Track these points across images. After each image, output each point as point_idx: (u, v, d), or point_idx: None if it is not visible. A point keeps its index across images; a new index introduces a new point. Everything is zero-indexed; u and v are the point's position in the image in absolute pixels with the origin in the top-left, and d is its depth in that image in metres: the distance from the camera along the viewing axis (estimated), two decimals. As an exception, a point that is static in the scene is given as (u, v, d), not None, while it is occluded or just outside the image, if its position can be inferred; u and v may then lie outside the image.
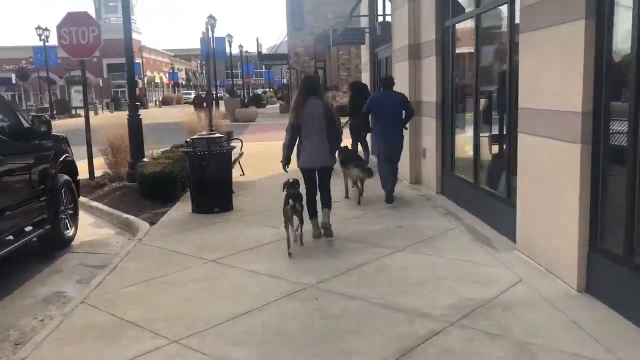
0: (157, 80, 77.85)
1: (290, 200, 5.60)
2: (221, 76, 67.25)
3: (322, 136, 5.89)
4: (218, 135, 8.50)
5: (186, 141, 8.67)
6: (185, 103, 65.52)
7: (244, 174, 10.82)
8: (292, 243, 5.68)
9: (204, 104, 28.82)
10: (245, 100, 35.07)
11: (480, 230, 6.41)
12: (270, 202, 8.14)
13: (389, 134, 7.88)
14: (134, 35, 67.98)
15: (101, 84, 56.92)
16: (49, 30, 33.58)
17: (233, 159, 8.92)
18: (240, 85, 50.01)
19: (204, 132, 9.63)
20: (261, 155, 12.98)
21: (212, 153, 7.92)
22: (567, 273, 4.42)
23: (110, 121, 12.55)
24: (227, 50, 33.93)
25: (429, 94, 8.49)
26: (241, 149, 10.71)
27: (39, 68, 39.01)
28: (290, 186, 5.84)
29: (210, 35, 25.76)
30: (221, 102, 32.07)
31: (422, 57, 8.76)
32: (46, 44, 33.05)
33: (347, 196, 8.25)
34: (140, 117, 10.24)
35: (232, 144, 9.45)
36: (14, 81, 41.29)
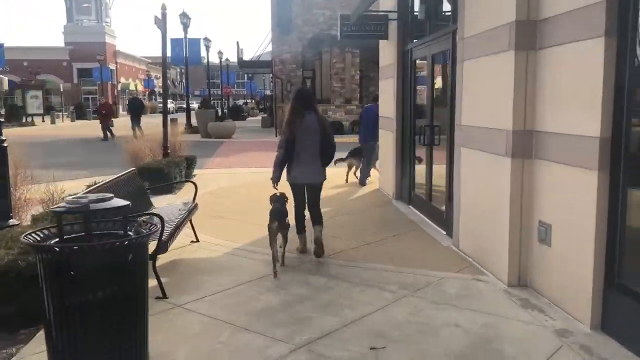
0: (132, 87, 75.52)
1: (274, 218, 5.62)
2: (200, 85, 65.44)
3: (315, 151, 5.94)
4: (121, 203, 3.58)
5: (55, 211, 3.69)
6: (160, 112, 63.19)
7: (197, 240, 6.83)
8: (277, 263, 5.60)
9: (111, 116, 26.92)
10: (221, 112, 32.51)
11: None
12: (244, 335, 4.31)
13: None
14: (108, 39, 67.12)
15: (65, 89, 53.99)
16: None
17: (180, 219, 6.04)
18: (220, 95, 47.48)
19: (100, 182, 6.45)
20: (235, 195, 10.21)
21: (97, 251, 3.38)
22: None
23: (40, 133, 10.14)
24: (204, 55, 31.48)
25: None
26: (194, 199, 7.15)
27: None
28: (277, 201, 5.90)
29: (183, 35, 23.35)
30: (192, 114, 29.23)
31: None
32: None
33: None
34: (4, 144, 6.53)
35: (155, 217, 5.12)
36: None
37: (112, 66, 68.31)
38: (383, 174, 10.25)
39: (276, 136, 24.70)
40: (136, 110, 26.09)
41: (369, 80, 28.84)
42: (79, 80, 64.94)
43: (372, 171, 11.17)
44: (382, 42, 10.18)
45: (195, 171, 12.82)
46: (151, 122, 38.83)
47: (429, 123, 7.47)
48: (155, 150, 11.57)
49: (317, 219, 6.11)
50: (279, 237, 5.66)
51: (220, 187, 11.04)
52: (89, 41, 62.98)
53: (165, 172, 10.11)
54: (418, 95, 8.44)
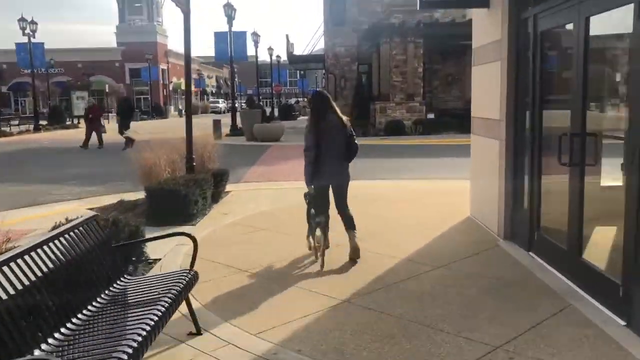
0: (184, 87, 74.43)
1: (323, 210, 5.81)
2: (253, 83, 63.86)
3: (340, 152, 5.99)
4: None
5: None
6: (212, 112, 62.19)
7: (198, 332, 4.11)
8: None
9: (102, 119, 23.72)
10: (270, 111, 29.98)
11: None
12: None
13: None
14: (160, 39, 66.32)
15: (115, 90, 53.24)
16: (36, 24, 29.23)
17: (173, 294, 3.61)
18: (270, 94, 45.29)
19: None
20: (278, 226, 7.46)
21: None
22: None
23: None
24: (253, 52, 29.19)
25: None
26: (193, 264, 4.39)
27: (23, 68, 35.16)
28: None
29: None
30: (238, 115, 26.69)
31: None
32: (32, 40, 28.70)
33: None
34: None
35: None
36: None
37: (163, 66, 67.66)
38: (479, 198, 7.40)
39: (329, 138, 22.02)
40: (126, 113, 22.20)
41: (433, 73, 25.76)
42: (131, 80, 64.71)
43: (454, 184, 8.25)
44: (476, 14, 7.28)
45: (230, 186, 10.26)
46: (197, 124, 37.05)
47: (578, 130, 4.60)
48: (177, 163, 9.10)
49: (350, 223, 6.06)
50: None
51: (257, 212, 8.37)
52: (140, 41, 62.47)
53: (183, 195, 7.58)
54: (548, 85, 5.58)
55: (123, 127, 20.45)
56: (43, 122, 32.52)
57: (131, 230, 5.44)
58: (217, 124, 23.25)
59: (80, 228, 3.83)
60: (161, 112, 51.00)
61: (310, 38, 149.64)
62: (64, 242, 3.58)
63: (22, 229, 7.41)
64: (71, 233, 3.72)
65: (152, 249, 6.18)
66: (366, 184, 11.06)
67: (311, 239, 5.93)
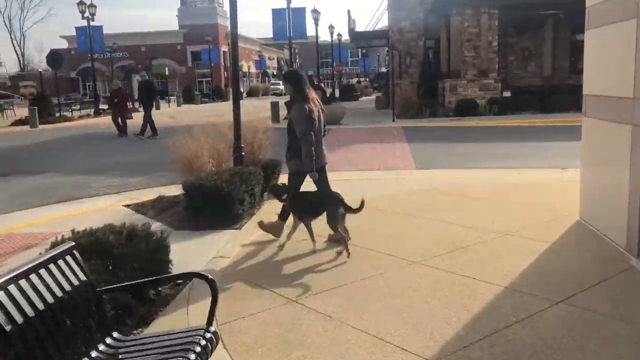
0: (245, 69, 74.31)
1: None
2: (312, 64, 62.61)
3: (321, 131, 5.77)
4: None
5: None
6: (273, 94, 61.51)
7: None
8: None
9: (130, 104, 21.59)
10: (330, 93, 28.50)
11: None
12: None
13: None
14: (220, 21, 65.79)
15: (178, 73, 53.27)
16: (95, 7, 28.79)
17: None
18: (331, 75, 43.85)
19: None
20: (330, 244, 5.60)
21: None
22: None
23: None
24: (313, 31, 27.79)
25: None
26: (211, 321, 2.85)
27: (83, 53, 35.02)
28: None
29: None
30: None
31: None
32: (91, 22, 28.29)
33: None
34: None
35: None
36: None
37: (224, 48, 67.37)
38: (595, 198, 5.78)
39: (393, 120, 20.45)
40: (148, 95, 19.35)
41: (508, 47, 23.56)
42: (192, 63, 64.79)
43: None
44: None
45: (284, 177, 9.02)
46: (255, 106, 36.05)
47: None
48: (223, 153, 7.91)
49: None
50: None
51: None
52: (201, 23, 62.29)
53: (226, 193, 6.37)
54: None
55: (146, 112, 18.48)
56: (104, 107, 32.52)
57: (151, 247, 4.26)
58: (274, 107, 22.10)
59: (52, 265, 2.64)
60: (222, 95, 50.47)
61: (373, 13, 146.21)
62: (25, 287, 2.41)
63: (42, 232, 6.44)
64: (55, 259, 2.55)
65: (182, 261, 5.02)
66: (436, 175, 9.58)
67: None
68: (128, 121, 19.22)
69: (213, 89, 56.38)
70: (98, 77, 61.74)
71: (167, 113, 33.72)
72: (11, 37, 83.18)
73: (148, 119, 17.91)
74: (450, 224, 6.14)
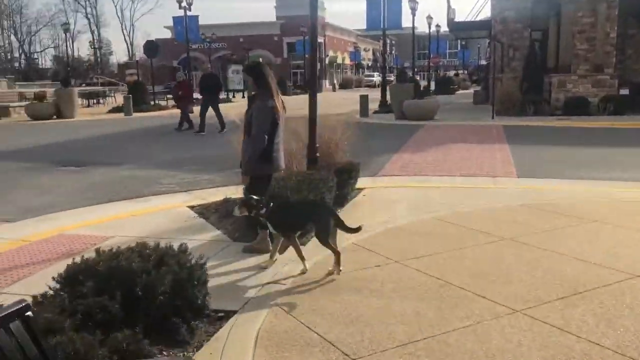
0: (340, 60, 73.73)
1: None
2: (408, 56, 61.03)
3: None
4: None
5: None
6: (366, 86, 60.65)
7: None
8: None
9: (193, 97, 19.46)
10: (424, 86, 26.93)
11: None
12: None
13: None
14: (318, 12, 65.23)
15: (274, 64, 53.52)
16: (193, -3, 28.94)
17: None
18: (427, 67, 42.21)
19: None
20: (428, 264, 4.66)
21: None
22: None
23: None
24: (409, 22, 26.46)
25: None
26: None
27: (180, 42, 35.41)
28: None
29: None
30: (388, 90, 24.04)
31: None
32: (187, 12, 28.42)
33: None
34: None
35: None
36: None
37: (320, 39, 67.09)
38: None
39: (493, 117, 18.79)
40: (211, 90, 17.80)
41: (628, 39, 21.08)
42: (288, 54, 65.06)
43: None
44: None
45: (363, 181, 8.03)
46: (345, 99, 35.14)
47: None
48: (295, 154, 7.05)
49: None
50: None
51: (390, 228, 5.98)
52: (298, 14, 62.27)
53: (290, 204, 5.51)
54: None
55: (206, 107, 17.37)
56: (197, 96, 32.99)
57: (180, 278, 3.46)
58: (364, 100, 21.08)
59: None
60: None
61: (474, 3, 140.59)
62: None
63: (93, 236, 5.90)
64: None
65: (229, 285, 4.23)
66: (543, 186, 8.19)
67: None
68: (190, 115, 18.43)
69: (306, 80, 56.19)
70: (197, 66, 63.82)
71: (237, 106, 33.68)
72: (122, 28, 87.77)
73: (204, 114, 17.12)
74: (563, 255, 4.91)
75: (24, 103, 25.57)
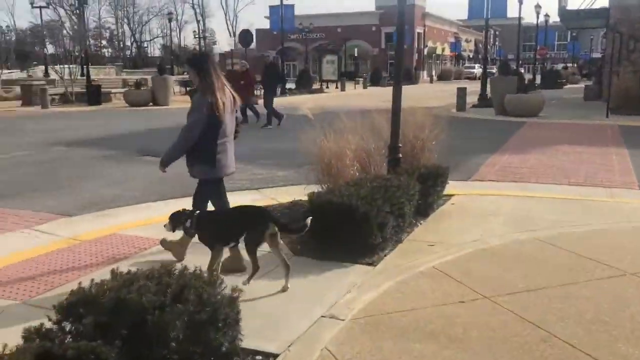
0: (439, 51, 71.34)
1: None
2: (513, 48, 57.70)
3: (232, 133, 4.74)
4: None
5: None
6: (465, 78, 58.26)
7: None
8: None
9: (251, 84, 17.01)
10: (529, 80, 24.85)
11: None
12: None
13: None
14: (418, 1, 63.35)
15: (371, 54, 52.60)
16: (290, -14, 28.57)
17: None
18: (533, 59, 39.52)
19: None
20: (501, 316, 3.48)
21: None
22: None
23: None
24: (515, 11, 24.52)
25: None
26: None
27: (275, 31, 35.11)
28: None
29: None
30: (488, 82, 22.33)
31: None
32: (283, 2, 27.94)
33: None
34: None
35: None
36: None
37: (419, 29, 65.19)
38: None
39: (607, 116, 16.78)
40: (271, 80, 16.67)
41: None
42: (385, 45, 63.69)
43: None
44: None
45: (453, 186, 6.97)
46: (442, 91, 33.56)
47: None
48: (373, 155, 6.16)
49: None
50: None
51: (483, 249, 4.95)
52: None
53: (360, 215, 4.64)
54: None
55: (271, 98, 16.37)
56: (291, 86, 32.76)
57: (196, 319, 2.72)
58: (461, 93, 19.66)
59: None
60: (410, 78, 48.43)
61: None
62: None
63: (148, 238, 5.37)
64: None
65: (273, 319, 3.49)
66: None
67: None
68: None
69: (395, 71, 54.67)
70: (295, 56, 64.00)
71: (343, 95, 32.99)
72: (226, 18, 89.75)
73: (269, 106, 16.16)
74: None
75: (124, 89, 26.42)
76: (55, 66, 27.19)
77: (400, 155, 6.28)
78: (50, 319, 2.89)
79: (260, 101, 17.04)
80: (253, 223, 4.12)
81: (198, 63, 4.60)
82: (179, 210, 4.38)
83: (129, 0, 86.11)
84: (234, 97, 4.65)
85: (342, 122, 6.18)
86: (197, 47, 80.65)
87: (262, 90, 16.78)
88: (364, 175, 5.66)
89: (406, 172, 5.81)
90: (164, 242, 4.90)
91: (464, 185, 7.72)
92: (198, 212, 4.39)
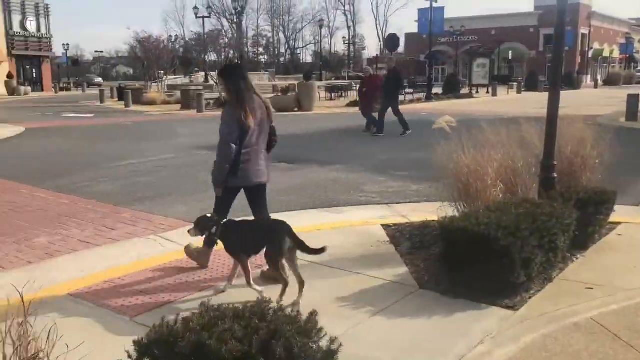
0: (606, 53, 65.27)
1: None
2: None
3: (264, 144, 4.68)
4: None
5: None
6: (637, 83, 52.64)
7: None
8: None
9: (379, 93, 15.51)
10: None
11: None
12: None
13: None
14: (583, 0, 58.39)
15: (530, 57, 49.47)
16: (436, -13, 27.39)
17: None
18: None
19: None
20: None
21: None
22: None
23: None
24: None
25: None
26: None
27: (424, 34, 33.82)
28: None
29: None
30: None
31: None
32: (433, 4, 26.73)
33: None
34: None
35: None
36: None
37: (584, 30, 60.18)
38: None
39: None
40: (394, 87, 15.50)
41: None
42: (544, 47, 59.58)
43: None
44: None
45: (620, 212, 5.85)
46: (614, 97, 30.25)
47: None
48: (521, 174, 5.27)
49: None
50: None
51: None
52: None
53: (500, 248, 3.89)
54: None
55: (388, 106, 15.17)
56: (438, 91, 31.62)
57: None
58: (633, 100, 17.38)
59: None
60: (572, 83, 44.63)
61: None
62: None
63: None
64: None
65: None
66: None
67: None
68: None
69: (563, 75, 50.68)
70: (444, 60, 62.23)
71: (493, 101, 31.07)
72: (376, 23, 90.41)
73: (383, 114, 15.14)
74: None
75: (272, 95, 27.27)
76: (212, 72, 28.85)
77: (555, 175, 5.36)
78: (129, 356, 2.62)
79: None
80: (271, 237, 4.06)
81: (227, 74, 4.57)
82: (206, 216, 4.34)
83: (285, 9, 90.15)
84: (267, 108, 4.61)
85: (486, 133, 5.45)
86: (347, 53, 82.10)
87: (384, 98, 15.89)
88: (508, 199, 4.87)
89: (561, 196, 4.91)
90: (188, 250, 4.87)
91: (634, 212, 6.49)
92: (225, 220, 4.36)
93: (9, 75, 45.93)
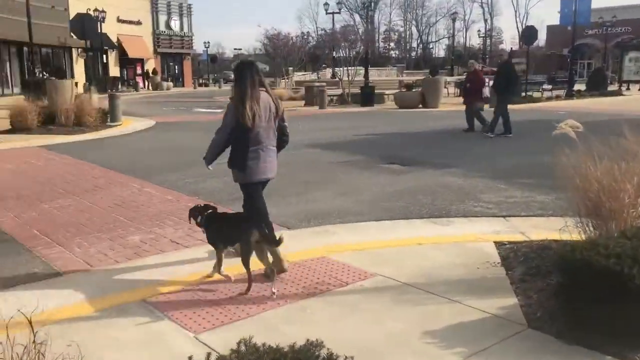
0: None
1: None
2: None
3: (273, 140, 4.83)
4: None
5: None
6: None
7: None
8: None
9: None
10: None
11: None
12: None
13: None
14: None
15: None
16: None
17: None
18: None
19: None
20: None
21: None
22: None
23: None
24: None
25: None
26: None
27: (568, 26, 30.81)
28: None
29: None
30: None
31: None
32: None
33: None
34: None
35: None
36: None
37: None
38: None
39: None
40: (505, 83, 14.11)
41: None
42: None
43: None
44: None
45: None
46: None
47: None
48: (623, 200, 4.21)
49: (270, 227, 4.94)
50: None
51: None
52: None
53: (635, 286, 3.08)
54: None
55: (502, 103, 13.89)
56: (581, 87, 28.92)
57: None
58: None
59: None
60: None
61: None
62: None
63: (359, 269, 4.58)
64: None
65: None
66: None
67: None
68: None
69: None
70: (591, 54, 57.24)
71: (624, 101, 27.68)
72: (515, 15, 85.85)
73: (501, 112, 13.77)
74: None
75: (396, 91, 26.58)
76: (337, 68, 28.79)
77: None
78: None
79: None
80: (239, 230, 4.31)
81: (235, 71, 4.82)
82: (197, 205, 4.81)
83: (418, 3, 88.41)
84: (276, 106, 4.71)
85: (625, 140, 4.51)
86: (482, 47, 78.70)
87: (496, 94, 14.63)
88: (592, 238, 3.94)
89: None
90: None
91: None
92: (210, 210, 4.66)
93: (154, 72, 49.62)
